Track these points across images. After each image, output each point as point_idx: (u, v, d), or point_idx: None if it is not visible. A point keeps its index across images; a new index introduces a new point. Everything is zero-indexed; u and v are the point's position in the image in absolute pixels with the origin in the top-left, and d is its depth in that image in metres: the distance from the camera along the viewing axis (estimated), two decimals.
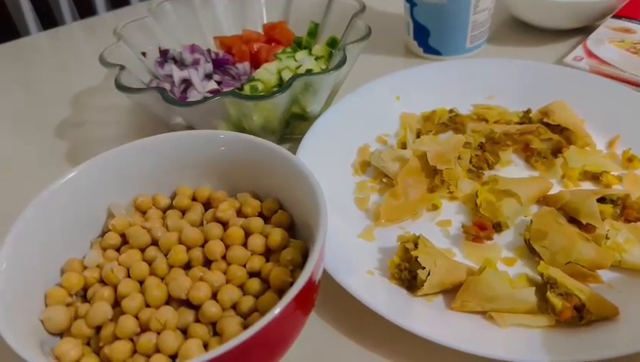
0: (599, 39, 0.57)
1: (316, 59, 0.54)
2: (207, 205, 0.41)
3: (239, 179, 0.41)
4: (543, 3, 0.62)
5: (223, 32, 0.62)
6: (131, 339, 0.32)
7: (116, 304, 0.34)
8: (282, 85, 0.46)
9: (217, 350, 0.26)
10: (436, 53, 0.63)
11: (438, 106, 0.54)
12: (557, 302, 0.35)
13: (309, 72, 0.51)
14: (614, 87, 0.51)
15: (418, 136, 0.52)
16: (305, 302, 0.31)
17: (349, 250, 0.41)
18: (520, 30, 0.67)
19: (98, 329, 0.33)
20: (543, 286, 0.36)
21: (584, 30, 0.63)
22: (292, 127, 0.52)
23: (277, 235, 0.36)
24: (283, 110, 0.47)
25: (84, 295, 0.35)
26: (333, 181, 0.47)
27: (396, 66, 0.63)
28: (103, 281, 0.35)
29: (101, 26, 0.82)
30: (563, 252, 0.38)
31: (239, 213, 0.39)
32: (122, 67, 0.48)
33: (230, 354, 0.26)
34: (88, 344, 0.33)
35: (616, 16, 0.60)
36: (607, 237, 0.39)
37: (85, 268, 0.36)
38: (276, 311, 0.28)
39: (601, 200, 0.42)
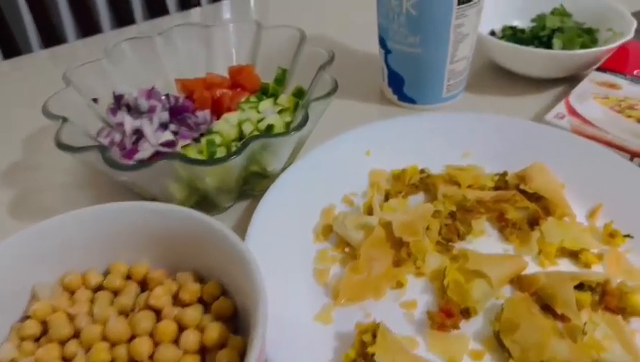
0: (583, 94, 0.54)
1: (280, 111, 0.50)
2: (144, 283, 0.37)
3: (181, 256, 0.37)
4: (523, 52, 0.58)
5: (186, 73, 0.58)
6: None
7: None
8: (241, 141, 0.42)
9: None
10: (411, 101, 0.60)
11: (410, 163, 0.51)
12: None
13: (269, 129, 0.47)
14: (597, 150, 0.48)
15: (386, 198, 0.48)
16: None
17: (302, 336, 0.37)
18: (501, 77, 0.64)
19: None
20: None
21: (569, 79, 0.60)
22: (252, 184, 0.48)
23: (214, 331, 0.32)
24: (238, 172, 0.43)
25: None
26: (291, 248, 0.44)
27: (371, 114, 0.60)
28: None
29: (68, 54, 0.78)
30: (535, 349, 0.34)
31: (176, 299, 0.35)
32: (65, 119, 0.44)
33: None
34: None
35: (601, 69, 0.57)
36: (584, 332, 0.35)
37: None
38: None
39: (580, 285, 0.38)
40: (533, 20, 0.67)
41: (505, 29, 0.67)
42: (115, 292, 0.36)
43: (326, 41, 0.75)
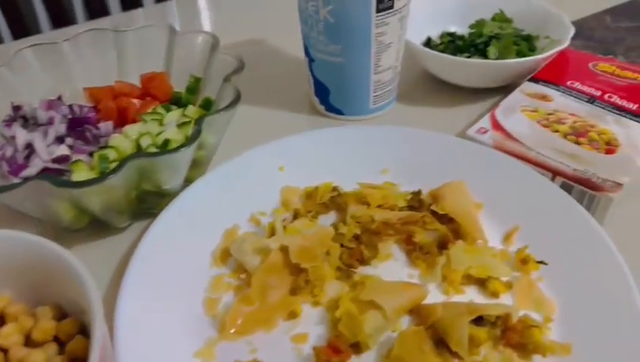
0: (511, 107, 0.51)
1: (184, 124, 0.47)
2: (2, 318, 0.33)
3: (42, 288, 0.34)
4: (454, 62, 0.56)
5: (98, 82, 0.54)
6: None
7: None
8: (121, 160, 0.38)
9: None
10: (338, 112, 0.57)
11: (325, 179, 0.48)
12: None
13: (165, 144, 0.44)
14: (517, 167, 0.45)
15: (295, 217, 0.45)
16: None
17: None
18: (435, 87, 0.61)
19: None
20: None
21: (508, 87, 0.58)
22: (150, 203, 0.45)
23: None
24: (124, 192, 0.40)
25: None
26: (183, 274, 0.41)
27: (300, 126, 0.57)
28: None
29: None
30: None
31: (31, 338, 0.32)
32: None
33: None
34: None
35: (534, 79, 0.55)
36: None
37: None
38: None
39: (479, 318, 0.35)
40: (471, 27, 0.64)
41: (443, 35, 0.65)
42: None
43: (261, 47, 0.72)
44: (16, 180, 0.44)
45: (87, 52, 0.54)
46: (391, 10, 0.49)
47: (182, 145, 0.39)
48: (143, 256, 0.40)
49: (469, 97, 0.59)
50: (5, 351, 0.31)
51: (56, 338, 0.32)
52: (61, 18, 0.94)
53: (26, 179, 0.36)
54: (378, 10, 0.49)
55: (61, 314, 0.33)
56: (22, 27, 0.92)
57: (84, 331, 0.32)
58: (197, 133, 0.40)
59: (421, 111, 0.58)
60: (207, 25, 0.82)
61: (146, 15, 0.90)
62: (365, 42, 0.50)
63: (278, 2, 0.79)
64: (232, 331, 0.37)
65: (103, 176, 0.36)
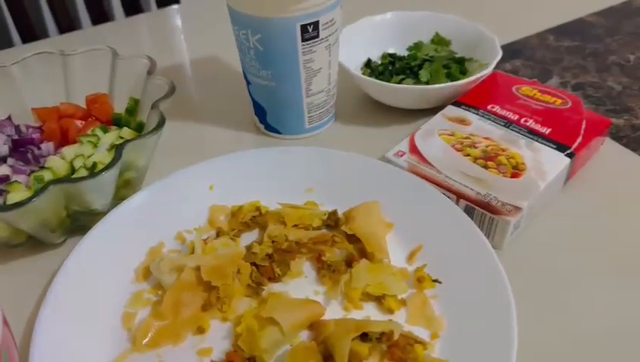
0: (431, 130, 0.54)
1: (114, 147, 0.50)
2: None
3: None
4: (388, 88, 0.58)
5: (47, 102, 0.57)
6: None
7: None
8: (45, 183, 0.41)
9: None
10: (276, 131, 0.60)
11: (252, 198, 0.51)
12: None
13: (94, 167, 0.47)
14: (426, 190, 0.48)
15: (218, 235, 0.48)
16: None
17: None
18: (372, 107, 0.64)
19: None
20: None
21: (440, 107, 0.60)
22: (83, 221, 0.48)
23: None
24: (52, 213, 0.43)
25: None
26: (106, 288, 0.44)
27: (243, 144, 0.60)
28: None
29: None
30: None
31: None
32: None
33: None
34: None
35: (457, 103, 0.58)
36: None
37: None
38: None
39: (367, 336, 0.38)
40: (409, 49, 0.67)
41: (384, 56, 0.67)
42: None
43: (217, 65, 0.75)
44: None
45: (35, 74, 0.57)
46: (317, 40, 0.52)
47: (100, 171, 0.42)
48: (68, 270, 0.43)
49: (402, 117, 0.62)
50: None
51: None
52: (27, 33, 0.97)
53: None
54: (304, 40, 0.51)
55: None
56: None
57: None
58: (117, 158, 0.43)
59: (356, 131, 0.61)
60: (160, 46, 0.84)
61: (113, 30, 0.93)
62: (294, 68, 0.53)
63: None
64: (143, 343, 0.40)
65: (26, 200, 0.39)
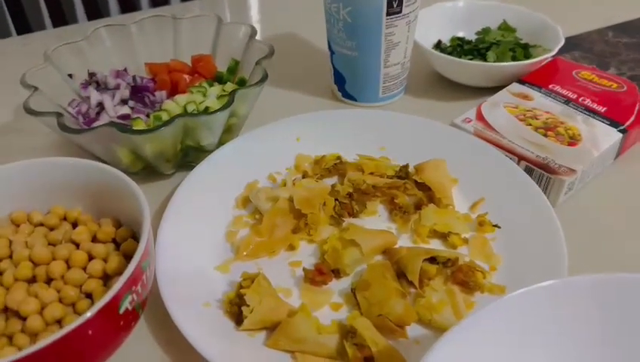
0: (496, 102, 0.60)
1: (222, 96, 0.58)
2: (76, 224, 0.45)
3: (104, 205, 0.45)
4: (458, 63, 0.65)
5: (157, 58, 0.66)
6: None
7: None
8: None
9: (18, 354, 0.30)
10: (353, 99, 0.67)
11: (332, 151, 0.58)
12: (350, 351, 0.38)
13: (205, 110, 0.55)
14: (489, 151, 0.54)
15: (304, 178, 0.56)
16: (113, 315, 0.35)
17: (202, 279, 0.45)
18: (440, 84, 0.70)
19: None
20: (346, 335, 0.40)
21: (502, 87, 0.66)
22: (191, 157, 0.56)
23: (114, 263, 0.40)
24: (171, 143, 0.52)
25: None
26: (213, 211, 0.52)
27: (318, 107, 0.68)
28: None
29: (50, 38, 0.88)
30: (378, 304, 0.42)
31: (96, 237, 0.43)
32: (36, 89, 0.53)
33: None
34: None
35: (521, 81, 0.63)
36: (422, 296, 0.42)
37: None
38: (87, 314, 0.32)
39: (433, 259, 0.45)
40: (477, 33, 0.73)
41: (453, 39, 0.74)
42: (52, 229, 0.45)
43: (297, 39, 0.83)
44: None
45: (149, 34, 0.66)
46: (399, 15, 0.59)
47: (217, 110, 0.50)
48: (182, 194, 0.51)
49: (468, 93, 0.68)
50: (77, 245, 0.43)
51: (114, 241, 0.44)
52: (128, 4, 1.08)
53: (97, 127, 0.48)
54: (388, 14, 0.58)
55: (118, 224, 0.45)
56: (95, 10, 1.06)
57: (135, 237, 0.44)
58: (229, 102, 0.51)
59: (425, 103, 0.68)
60: (253, 17, 0.93)
61: (202, 6, 1.02)
62: (376, 40, 0.61)
63: (314, 2, 0.89)
64: (245, 254, 0.48)
65: (156, 127, 0.48)
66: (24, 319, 0.37)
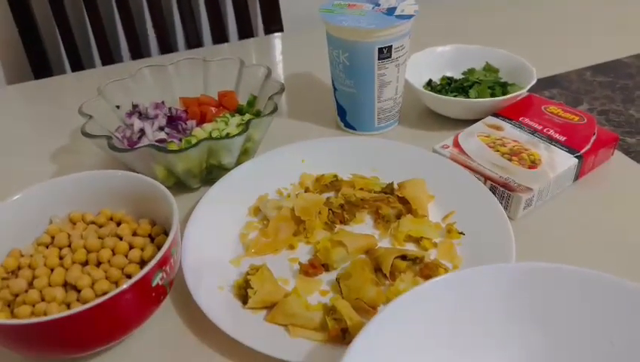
0: (472, 132, 0.71)
1: (241, 125, 0.70)
2: (120, 223, 0.57)
3: (143, 208, 0.57)
4: (443, 100, 0.76)
5: (189, 93, 0.79)
6: (33, 306, 0.48)
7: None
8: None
9: (68, 311, 0.42)
10: (352, 128, 0.78)
11: (331, 171, 0.69)
12: (331, 324, 0.49)
13: (225, 135, 0.67)
14: (461, 172, 0.65)
15: (306, 192, 0.67)
16: (146, 287, 0.46)
17: (218, 270, 0.56)
18: (428, 116, 0.81)
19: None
20: (328, 312, 0.50)
21: (479, 119, 0.77)
22: (214, 174, 0.68)
23: (150, 251, 0.52)
24: (197, 162, 0.64)
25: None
26: (230, 217, 0.63)
27: (324, 135, 0.79)
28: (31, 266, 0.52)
29: (100, 75, 1.02)
30: (356, 290, 0.52)
31: (136, 233, 0.55)
32: (91, 117, 0.66)
33: (81, 316, 0.42)
34: (9, 305, 0.50)
35: (496, 115, 0.74)
36: (391, 284, 0.53)
37: (22, 255, 0.53)
38: (130, 281, 0.44)
39: (405, 257, 0.55)
40: (463, 73, 0.84)
41: (442, 78, 0.85)
42: (101, 226, 0.57)
43: (307, 78, 0.95)
44: None
45: (184, 73, 0.80)
46: (389, 59, 0.71)
47: (235, 135, 0.62)
48: (205, 203, 0.63)
49: (451, 125, 0.79)
50: (121, 238, 0.54)
51: (150, 236, 0.56)
52: (166, 45, 1.23)
53: (139, 147, 0.60)
54: (379, 58, 0.70)
55: (154, 224, 0.57)
56: (137, 50, 1.21)
57: (167, 233, 0.55)
58: (245, 128, 0.63)
59: (414, 132, 0.79)
60: (276, 57, 1.06)
61: (231, 48, 1.17)
62: (371, 79, 0.72)
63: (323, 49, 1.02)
64: (253, 251, 0.59)
65: (186, 148, 0.60)
66: (79, 291, 0.49)
